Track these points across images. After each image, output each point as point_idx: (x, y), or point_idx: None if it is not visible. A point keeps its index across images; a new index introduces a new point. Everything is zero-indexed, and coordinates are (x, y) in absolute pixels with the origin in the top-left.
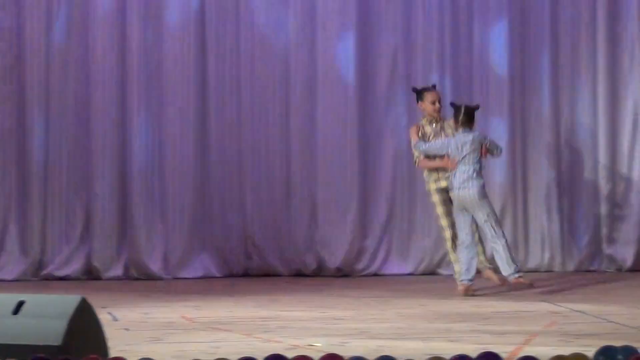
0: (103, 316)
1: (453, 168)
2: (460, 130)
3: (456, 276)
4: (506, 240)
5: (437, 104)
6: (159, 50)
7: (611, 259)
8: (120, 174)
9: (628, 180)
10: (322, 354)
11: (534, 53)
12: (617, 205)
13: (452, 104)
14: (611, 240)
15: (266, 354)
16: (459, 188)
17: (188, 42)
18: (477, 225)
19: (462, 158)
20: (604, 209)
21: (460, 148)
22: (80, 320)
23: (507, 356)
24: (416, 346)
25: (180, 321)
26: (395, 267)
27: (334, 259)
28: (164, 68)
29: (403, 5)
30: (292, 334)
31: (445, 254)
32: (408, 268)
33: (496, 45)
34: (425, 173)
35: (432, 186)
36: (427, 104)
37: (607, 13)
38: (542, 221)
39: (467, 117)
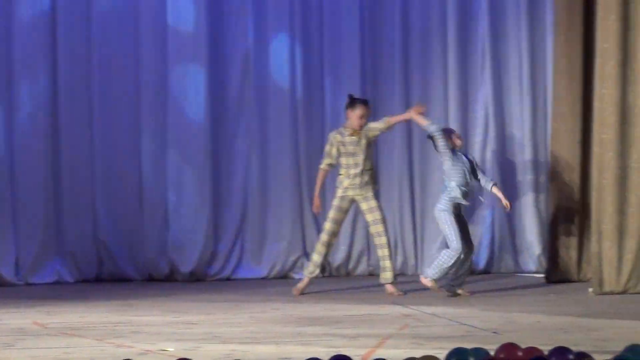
0: None
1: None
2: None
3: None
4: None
5: (363, 119)
6: (7, 51)
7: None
8: None
9: (481, 185)
10: (175, 358)
11: (386, 55)
12: (470, 207)
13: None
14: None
15: (118, 359)
16: None
17: (38, 43)
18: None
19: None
20: None
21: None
22: None
23: (359, 359)
24: (269, 350)
25: (31, 327)
26: (248, 271)
27: (187, 263)
28: (14, 70)
29: (254, 7)
30: (145, 339)
31: (298, 258)
32: (261, 272)
33: (348, 44)
34: (337, 180)
35: (339, 192)
36: (354, 115)
37: (458, 14)
38: (395, 225)
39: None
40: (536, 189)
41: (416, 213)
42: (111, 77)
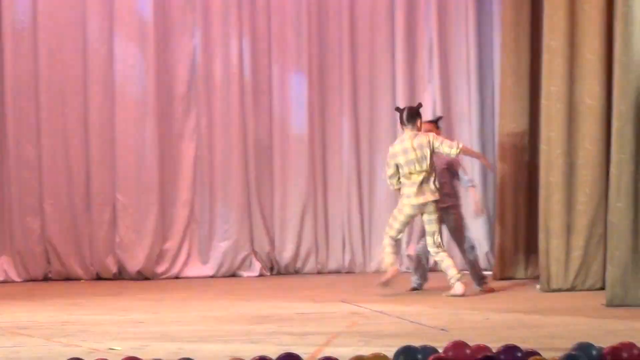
0: None
1: None
2: None
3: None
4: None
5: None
6: None
7: (411, 259)
8: None
9: None
10: (122, 357)
11: (333, 53)
12: None
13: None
14: (411, 241)
15: (66, 358)
16: None
17: None
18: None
19: None
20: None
21: None
22: None
23: (307, 357)
24: (217, 348)
25: None
26: (195, 269)
27: (135, 262)
28: None
29: (200, 7)
30: (92, 338)
31: (246, 256)
32: (209, 270)
33: (294, 40)
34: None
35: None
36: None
37: (405, 12)
38: (343, 223)
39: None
40: (484, 187)
41: (364, 211)
42: (59, 76)
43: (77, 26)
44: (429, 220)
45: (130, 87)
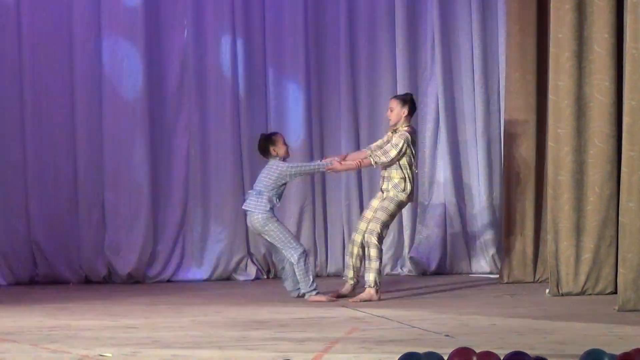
0: None
1: None
2: None
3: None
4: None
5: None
6: None
7: (414, 262)
8: None
9: (431, 183)
10: None
11: (331, 48)
12: (422, 208)
13: None
14: (414, 244)
15: None
16: None
17: None
18: None
19: None
20: (407, 212)
21: None
22: None
23: None
24: (212, 355)
25: None
26: (189, 272)
27: (125, 264)
28: None
29: (192, 3)
30: (81, 344)
31: (242, 259)
32: (203, 274)
33: (291, 37)
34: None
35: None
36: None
37: (406, 4)
38: (342, 225)
39: None
40: (490, 186)
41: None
42: (44, 74)
43: (63, 21)
44: None
45: (119, 83)
